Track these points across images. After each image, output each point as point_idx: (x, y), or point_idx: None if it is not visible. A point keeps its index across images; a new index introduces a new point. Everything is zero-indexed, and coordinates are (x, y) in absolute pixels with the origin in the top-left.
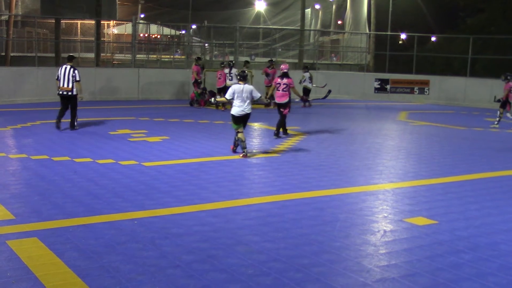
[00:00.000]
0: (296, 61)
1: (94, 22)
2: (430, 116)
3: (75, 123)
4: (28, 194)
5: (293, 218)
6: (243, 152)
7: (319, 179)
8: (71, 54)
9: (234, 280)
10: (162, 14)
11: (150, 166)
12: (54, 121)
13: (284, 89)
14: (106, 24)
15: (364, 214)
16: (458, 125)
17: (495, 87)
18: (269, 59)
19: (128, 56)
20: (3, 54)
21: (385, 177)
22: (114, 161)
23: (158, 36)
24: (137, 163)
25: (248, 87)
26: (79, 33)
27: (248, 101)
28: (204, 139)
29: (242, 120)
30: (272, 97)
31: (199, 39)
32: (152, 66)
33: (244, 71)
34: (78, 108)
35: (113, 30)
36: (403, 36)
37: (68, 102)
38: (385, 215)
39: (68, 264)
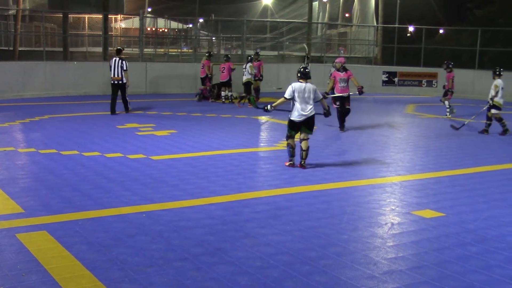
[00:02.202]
0: (304, 54)
1: (101, 16)
2: (438, 109)
3: (128, 106)
4: (37, 188)
5: (300, 211)
6: (290, 161)
7: (326, 172)
8: (119, 47)
9: (242, 272)
10: (170, 8)
11: (158, 160)
12: (110, 111)
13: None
14: (113, 18)
15: (372, 207)
16: (466, 118)
17: (504, 80)
18: (255, 52)
19: (136, 50)
20: (11, 48)
21: (392, 170)
22: (122, 155)
23: (166, 30)
24: (145, 156)
25: (310, 86)
26: (86, 27)
27: (311, 102)
28: (212, 132)
29: (301, 126)
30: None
31: (207, 33)
32: (159, 60)
33: (306, 67)
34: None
35: (120, 24)
36: (411, 28)
37: (118, 89)
38: (393, 207)
39: (77, 257)
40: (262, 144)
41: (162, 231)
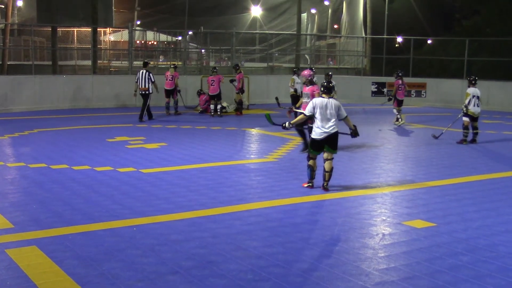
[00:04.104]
0: (293, 65)
1: (90, 29)
2: (428, 118)
3: (143, 116)
4: (27, 203)
5: (291, 223)
6: (309, 182)
7: (317, 184)
8: (145, 60)
9: (233, 285)
10: (158, 21)
11: (148, 173)
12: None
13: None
14: (102, 31)
15: (363, 218)
16: (455, 128)
17: (491, 89)
18: (235, 64)
19: (125, 63)
20: (0, 62)
21: (383, 180)
22: (113, 168)
23: (155, 43)
24: (136, 170)
25: (334, 102)
26: (75, 41)
27: (333, 119)
28: (202, 145)
29: (323, 145)
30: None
31: (196, 45)
32: None
33: (330, 81)
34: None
35: (109, 37)
36: (399, 39)
37: (146, 98)
38: (384, 218)
39: (67, 272)
40: (252, 156)
41: (153, 245)
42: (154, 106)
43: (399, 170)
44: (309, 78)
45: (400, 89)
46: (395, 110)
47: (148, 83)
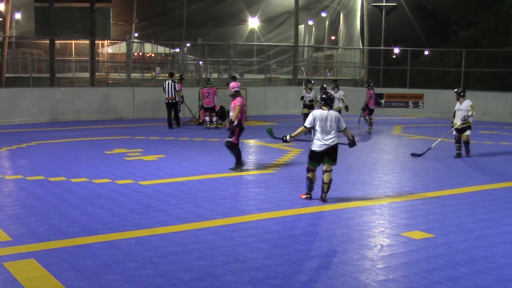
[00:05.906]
0: (291, 77)
1: (88, 41)
2: (425, 129)
3: (180, 122)
4: (25, 215)
5: (290, 234)
6: (307, 194)
7: (314, 195)
8: (171, 71)
9: None
10: (156, 33)
11: (146, 185)
12: (166, 124)
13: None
14: (100, 44)
15: (361, 229)
16: (452, 138)
17: (488, 100)
18: (232, 75)
19: (123, 75)
20: None
21: (381, 191)
22: (111, 181)
23: (153, 55)
24: (134, 182)
25: (334, 114)
26: (73, 53)
27: (333, 131)
28: (200, 156)
29: (323, 156)
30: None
31: (193, 57)
32: (147, 84)
33: (328, 93)
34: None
35: (107, 49)
36: (396, 50)
37: (172, 107)
38: (382, 229)
39: (65, 285)
40: (250, 168)
41: (151, 257)
42: (160, 118)
43: (397, 181)
44: (233, 90)
45: (372, 98)
46: (367, 119)
47: (174, 92)
